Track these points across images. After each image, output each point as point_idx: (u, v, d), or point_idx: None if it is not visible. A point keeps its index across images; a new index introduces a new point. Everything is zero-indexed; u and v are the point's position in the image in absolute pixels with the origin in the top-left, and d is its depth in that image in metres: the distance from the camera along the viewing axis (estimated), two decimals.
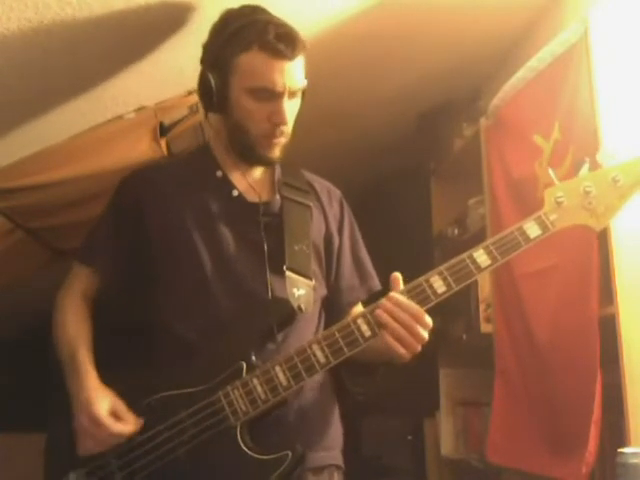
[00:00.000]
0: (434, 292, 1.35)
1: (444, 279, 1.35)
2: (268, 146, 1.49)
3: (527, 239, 1.36)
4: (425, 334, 1.34)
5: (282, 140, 1.50)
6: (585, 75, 1.76)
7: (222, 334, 1.41)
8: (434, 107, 2.94)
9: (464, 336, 2.69)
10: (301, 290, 1.48)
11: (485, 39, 2.44)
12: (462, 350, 2.81)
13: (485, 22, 2.33)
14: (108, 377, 1.41)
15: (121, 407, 1.37)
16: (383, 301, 1.35)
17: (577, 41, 1.83)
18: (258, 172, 1.59)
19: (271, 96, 1.44)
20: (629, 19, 1.78)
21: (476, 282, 2.52)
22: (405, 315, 1.32)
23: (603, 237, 1.67)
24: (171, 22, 1.76)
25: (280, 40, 1.41)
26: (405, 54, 2.42)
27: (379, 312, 1.34)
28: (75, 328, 1.49)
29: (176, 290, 1.50)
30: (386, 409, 2.93)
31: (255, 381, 1.36)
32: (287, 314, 1.42)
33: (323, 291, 1.58)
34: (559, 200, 1.37)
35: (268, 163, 1.56)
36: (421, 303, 1.34)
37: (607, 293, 1.67)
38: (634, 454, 1.31)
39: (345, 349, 1.35)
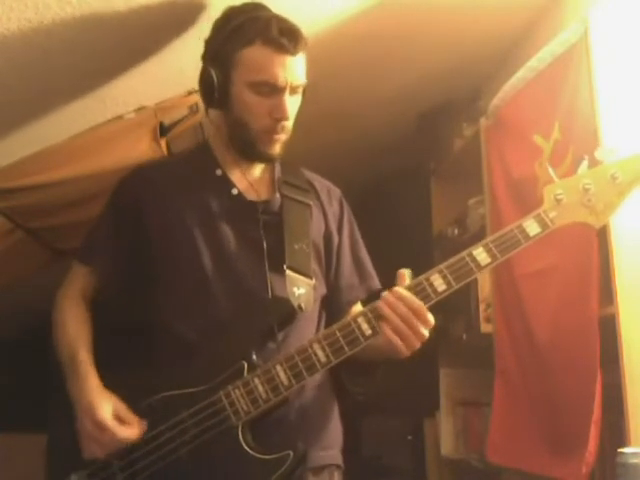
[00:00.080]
0: (434, 290, 1.35)
1: (444, 277, 1.35)
2: (269, 142, 1.49)
3: (527, 237, 1.36)
4: (425, 331, 1.33)
5: (282, 136, 1.50)
6: (585, 75, 1.76)
7: (222, 333, 1.41)
8: (434, 107, 2.94)
9: (464, 336, 2.69)
10: (301, 289, 1.48)
11: (485, 39, 2.44)
12: (462, 350, 2.81)
13: (485, 22, 2.33)
14: (108, 377, 1.41)
15: (124, 410, 1.37)
16: (386, 294, 1.35)
17: (577, 41, 1.83)
18: (258, 170, 1.59)
19: (273, 91, 1.44)
20: (629, 19, 1.78)
21: (476, 282, 2.53)
22: (406, 309, 1.32)
23: (603, 237, 1.67)
24: (171, 22, 1.76)
25: (283, 35, 1.42)
26: (405, 54, 2.42)
27: (381, 304, 1.34)
28: (75, 329, 1.49)
29: (176, 290, 1.50)
30: (386, 409, 2.93)
31: (256, 380, 1.36)
32: (287, 313, 1.42)
33: (323, 290, 1.58)
34: (558, 197, 1.37)
35: (268, 160, 1.56)
36: (421, 301, 1.34)
37: (607, 293, 1.67)
38: (634, 454, 1.31)
39: (346, 348, 1.35)
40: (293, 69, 1.45)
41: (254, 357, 1.38)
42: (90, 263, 1.55)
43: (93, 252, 1.56)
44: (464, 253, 1.37)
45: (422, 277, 1.36)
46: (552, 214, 1.37)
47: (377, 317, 1.35)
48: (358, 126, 2.93)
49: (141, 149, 1.75)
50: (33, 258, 1.96)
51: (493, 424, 2.25)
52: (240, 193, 1.54)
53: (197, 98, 1.77)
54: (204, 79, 1.49)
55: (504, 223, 2.09)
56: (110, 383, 1.40)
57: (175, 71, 1.91)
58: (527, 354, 2.08)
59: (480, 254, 1.36)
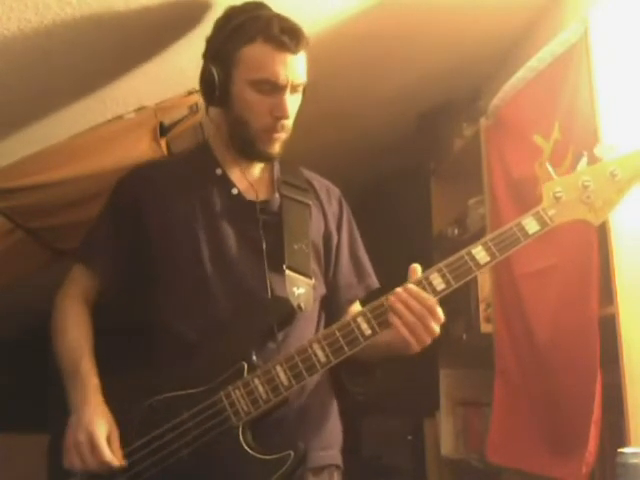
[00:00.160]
0: (433, 289, 1.35)
1: (443, 276, 1.35)
2: (268, 141, 1.49)
3: (526, 235, 1.36)
4: (437, 327, 1.34)
5: (282, 135, 1.50)
6: (585, 75, 1.76)
7: (222, 334, 1.41)
8: (434, 107, 2.94)
9: (464, 336, 2.69)
10: (301, 289, 1.48)
11: (485, 39, 2.44)
12: (462, 350, 2.80)
13: (485, 22, 2.33)
14: (109, 378, 1.41)
15: (115, 435, 1.36)
16: (398, 290, 1.35)
17: (577, 41, 1.83)
18: (257, 170, 1.59)
19: (273, 89, 1.44)
20: (629, 19, 1.78)
21: (476, 282, 2.52)
22: (419, 306, 1.32)
23: (603, 237, 1.67)
24: (171, 22, 1.76)
25: (284, 33, 1.42)
26: (405, 54, 2.42)
27: (393, 299, 1.34)
28: (77, 334, 1.48)
29: (176, 289, 1.50)
30: (386, 409, 2.93)
31: (256, 381, 1.36)
32: (287, 313, 1.42)
33: (322, 290, 1.58)
34: (557, 195, 1.37)
35: (268, 159, 1.56)
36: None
37: (607, 293, 1.67)
38: (634, 454, 1.31)
39: (345, 348, 1.35)
40: (294, 67, 1.45)
41: (254, 357, 1.38)
42: (90, 263, 1.55)
43: (92, 253, 1.55)
44: (463, 252, 1.37)
45: (421, 276, 1.36)
46: (551, 212, 1.37)
47: (376, 317, 1.35)
48: (358, 126, 2.93)
49: (141, 149, 1.75)
50: (33, 258, 1.96)
51: (493, 424, 2.24)
52: (240, 193, 1.54)
53: (197, 98, 1.77)
54: (205, 77, 1.49)
55: (504, 223, 2.06)
56: (110, 383, 1.40)
57: (175, 71, 1.91)
58: (527, 354, 2.08)
59: (479, 253, 1.36)
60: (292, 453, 1.33)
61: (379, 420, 3.12)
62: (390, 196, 3.42)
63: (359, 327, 1.35)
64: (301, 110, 1.53)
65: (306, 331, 1.48)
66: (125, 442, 1.37)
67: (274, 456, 1.33)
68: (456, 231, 2.87)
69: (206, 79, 1.48)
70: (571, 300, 1.82)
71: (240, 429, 1.35)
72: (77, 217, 1.78)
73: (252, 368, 1.37)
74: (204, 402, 1.36)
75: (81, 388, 1.40)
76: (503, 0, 2.25)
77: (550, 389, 1.93)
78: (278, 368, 1.36)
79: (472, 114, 2.72)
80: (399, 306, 1.33)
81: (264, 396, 1.35)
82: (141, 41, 1.79)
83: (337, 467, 1.54)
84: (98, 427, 1.34)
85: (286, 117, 1.47)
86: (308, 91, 1.52)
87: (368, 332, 1.35)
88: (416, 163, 3.24)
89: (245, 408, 1.35)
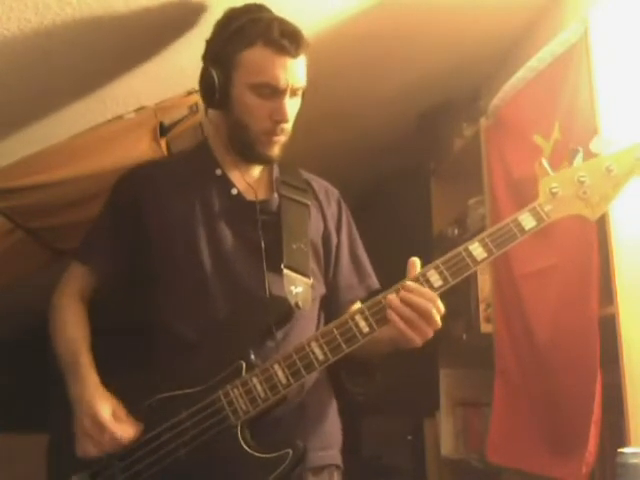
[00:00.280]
0: (431, 286, 1.35)
1: (440, 273, 1.35)
2: (268, 144, 1.50)
3: (522, 230, 1.36)
4: (438, 319, 1.33)
5: (282, 138, 1.50)
6: (585, 75, 1.76)
7: (221, 333, 1.42)
8: (434, 107, 2.94)
9: (464, 336, 2.69)
10: (299, 287, 1.48)
11: (485, 39, 2.44)
12: (462, 350, 2.80)
13: (485, 22, 2.33)
14: (108, 378, 1.41)
15: (121, 411, 1.37)
16: (396, 287, 1.35)
17: (577, 41, 1.83)
18: (257, 171, 1.60)
19: (273, 93, 1.44)
20: (629, 19, 1.78)
21: (476, 282, 2.53)
22: (418, 300, 1.32)
23: (603, 237, 1.67)
24: (171, 22, 1.76)
25: (284, 37, 1.42)
26: (405, 54, 2.42)
27: (391, 296, 1.34)
28: (75, 330, 1.49)
29: (175, 289, 1.50)
30: (386, 409, 2.93)
31: (254, 380, 1.36)
32: (285, 312, 1.43)
33: (322, 289, 1.58)
34: (554, 190, 1.37)
35: (267, 161, 1.56)
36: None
37: (607, 293, 1.67)
38: (634, 454, 1.31)
39: (343, 346, 1.35)
40: (294, 71, 1.45)
41: (252, 356, 1.39)
42: (88, 262, 1.55)
43: (91, 251, 1.56)
44: (460, 248, 1.37)
45: (418, 273, 1.36)
46: (547, 207, 1.37)
47: (374, 314, 1.35)
48: (358, 126, 2.93)
49: (141, 149, 1.75)
50: (33, 258, 1.96)
51: (493, 424, 2.24)
52: (239, 193, 1.54)
53: (197, 98, 1.77)
54: (205, 80, 1.49)
55: None
56: (110, 383, 1.41)
57: (175, 71, 1.91)
58: (527, 354, 2.08)
59: (476, 249, 1.36)
60: (290, 451, 1.33)
61: (379, 420, 3.12)
62: (390, 196, 3.42)
63: (357, 325, 1.35)
64: (301, 110, 1.53)
65: (305, 330, 1.48)
66: None
67: (273, 455, 1.33)
68: (456, 231, 2.86)
69: (206, 82, 1.48)
70: (571, 300, 1.82)
71: (239, 428, 1.35)
72: (77, 217, 1.78)
73: (250, 367, 1.37)
74: (202, 401, 1.36)
75: (78, 379, 1.40)
76: (503, 0, 2.25)
77: (550, 389, 1.93)
78: (276, 367, 1.36)
79: (472, 114, 2.72)
80: (397, 302, 1.33)
81: (262, 395, 1.35)
82: (141, 41, 1.79)
83: (337, 467, 1.54)
84: (100, 408, 1.35)
85: (286, 121, 1.47)
86: (308, 91, 1.53)
87: (366, 330, 1.35)
88: (416, 163, 3.23)
89: (243, 407, 1.35)
